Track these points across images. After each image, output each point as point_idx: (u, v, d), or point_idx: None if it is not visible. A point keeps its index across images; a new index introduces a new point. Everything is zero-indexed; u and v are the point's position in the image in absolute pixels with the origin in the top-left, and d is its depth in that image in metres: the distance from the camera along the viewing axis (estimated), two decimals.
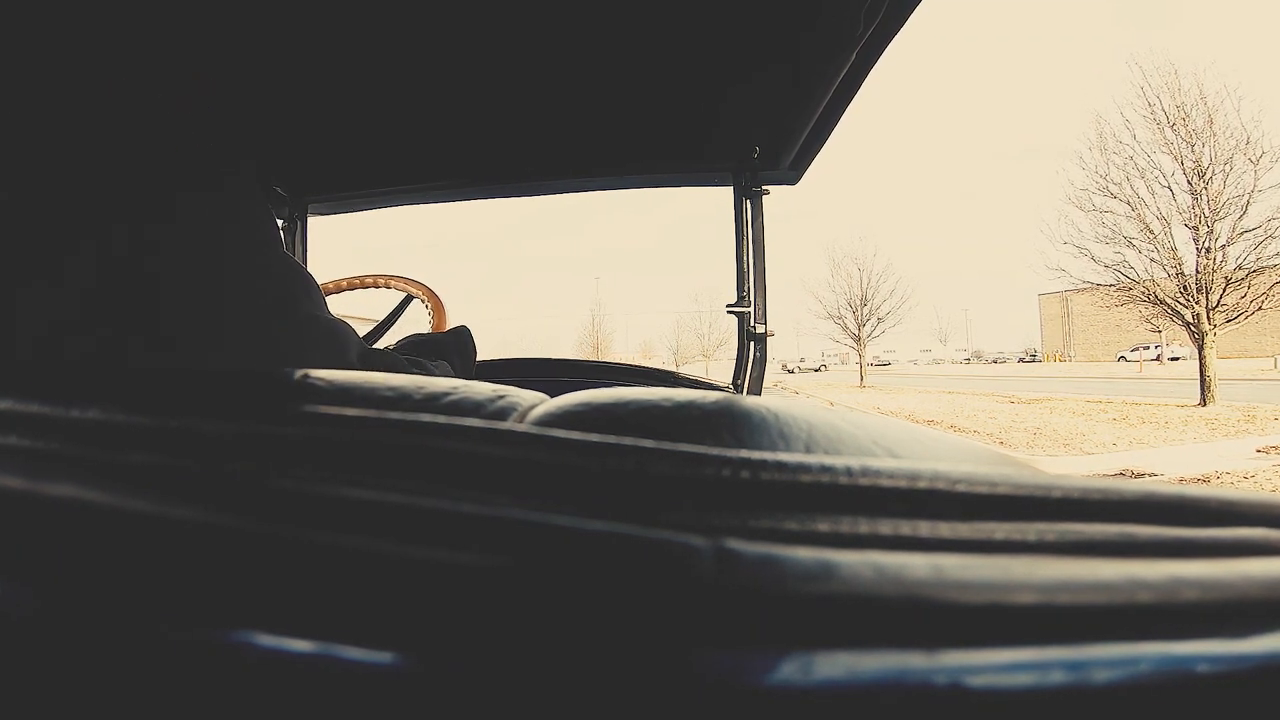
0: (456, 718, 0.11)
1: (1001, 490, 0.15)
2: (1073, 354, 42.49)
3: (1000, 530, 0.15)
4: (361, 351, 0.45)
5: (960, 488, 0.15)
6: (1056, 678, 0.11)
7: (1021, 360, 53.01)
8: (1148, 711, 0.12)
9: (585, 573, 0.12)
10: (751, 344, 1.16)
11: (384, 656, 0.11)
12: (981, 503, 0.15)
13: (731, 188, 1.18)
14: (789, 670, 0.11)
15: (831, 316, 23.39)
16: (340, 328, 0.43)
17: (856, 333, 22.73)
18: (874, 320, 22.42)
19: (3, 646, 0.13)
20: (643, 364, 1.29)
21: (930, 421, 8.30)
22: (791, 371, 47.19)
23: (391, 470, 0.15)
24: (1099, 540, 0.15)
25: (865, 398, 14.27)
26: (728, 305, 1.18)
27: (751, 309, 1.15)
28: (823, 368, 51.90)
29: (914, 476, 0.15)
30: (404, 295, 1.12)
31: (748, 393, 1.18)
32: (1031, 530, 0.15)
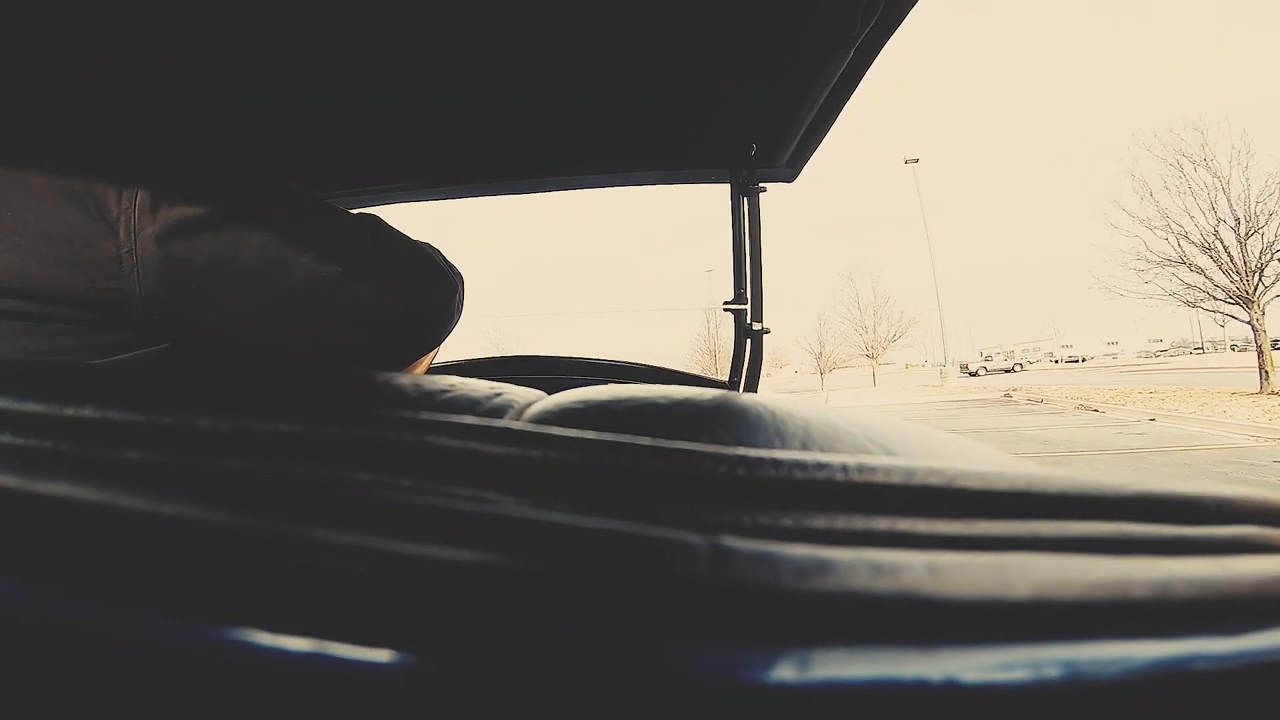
0: (453, 715, 0.11)
1: (998, 487, 0.15)
2: None
3: (996, 527, 0.15)
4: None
5: (957, 485, 0.15)
6: (1052, 675, 0.11)
7: (1236, 348, 42.32)
8: (1142, 708, 0.12)
9: (581, 569, 0.12)
10: (749, 341, 1.16)
11: (381, 655, 0.11)
12: (978, 500, 0.15)
13: (729, 185, 1.18)
14: (785, 667, 0.11)
15: (1169, 261, 11.44)
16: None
17: (1243, 288, 10.40)
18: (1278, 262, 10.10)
19: None
20: (652, 364, 1.30)
21: None
22: (975, 374, 34.65)
23: (387, 467, 0.15)
24: (1095, 537, 0.15)
25: None
26: (724, 303, 1.17)
27: (749, 306, 1.15)
28: (1016, 366, 38.92)
29: (910, 474, 0.15)
30: None
31: (744, 390, 1.18)
32: (1027, 527, 0.15)
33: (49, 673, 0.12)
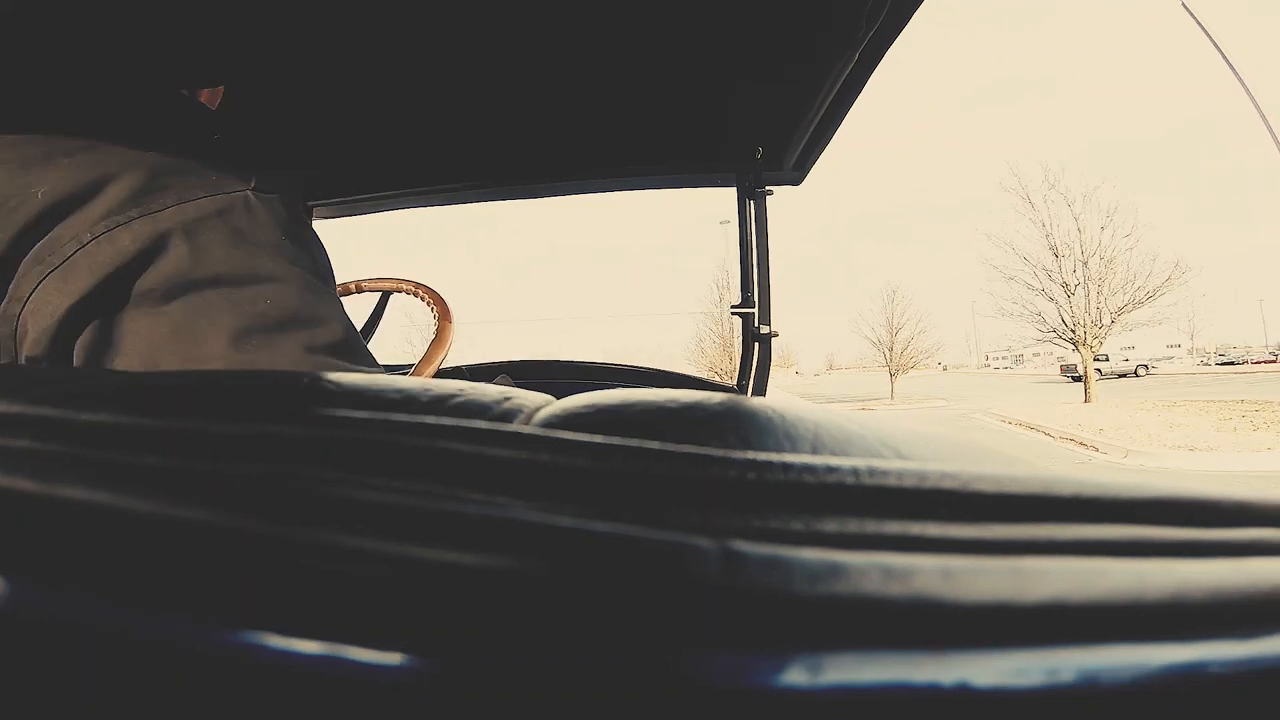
0: (461, 718, 0.11)
1: (1012, 490, 0.15)
2: None
3: (1011, 531, 0.14)
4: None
5: (971, 488, 0.15)
6: (1066, 679, 0.11)
7: None
8: (1156, 712, 0.12)
9: (590, 574, 0.12)
10: (756, 345, 1.16)
11: (391, 657, 0.11)
12: (992, 503, 0.15)
13: (735, 188, 1.19)
14: (796, 672, 0.11)
15: None
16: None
17: None
18: None
19: (11, 647, 0.13)
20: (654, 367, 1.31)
21: None
22: (1079, 378, 22.03)
23: (399, 472, 0.15)
24: (1110, 540, 0.15)
25: None
26: (732, 306, 1.18)
27: (756, 310, 1.15)
28: (1140, 369, 29.32)
29: (922, 477, 0.15)
30: (381, 293, 1.10)
31: (752, 394, 1.18)
32: (1042, 531, 0.15)
33: (65, 672, 0.12)
